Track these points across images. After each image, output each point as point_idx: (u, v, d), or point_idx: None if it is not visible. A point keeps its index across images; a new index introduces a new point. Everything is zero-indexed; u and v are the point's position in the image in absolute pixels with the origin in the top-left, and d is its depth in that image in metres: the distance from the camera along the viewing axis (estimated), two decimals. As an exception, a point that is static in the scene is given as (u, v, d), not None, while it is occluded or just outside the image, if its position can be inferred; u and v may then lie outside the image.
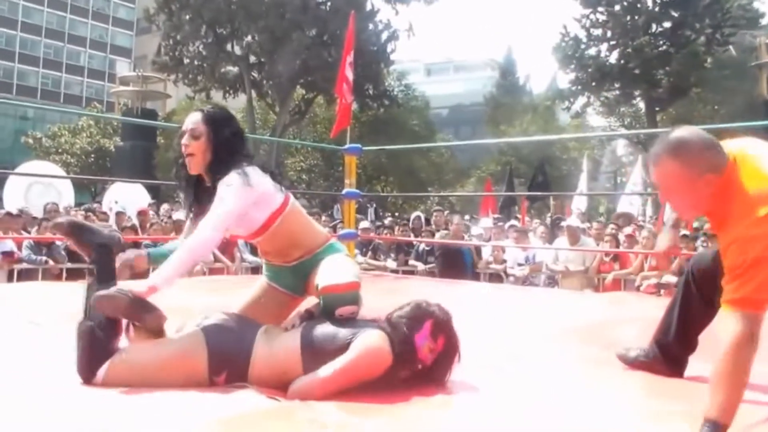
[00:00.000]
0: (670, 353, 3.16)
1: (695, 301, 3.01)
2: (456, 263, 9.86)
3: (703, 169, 2.33)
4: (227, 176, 2.93)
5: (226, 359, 2.69)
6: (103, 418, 2.31)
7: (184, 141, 3.02)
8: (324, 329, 2.72)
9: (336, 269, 2.97)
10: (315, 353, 2.64)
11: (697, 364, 3.09)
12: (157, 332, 2.84)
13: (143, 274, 3.34)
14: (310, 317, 2.94)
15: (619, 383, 3.05)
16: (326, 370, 2.59)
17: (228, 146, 3.03)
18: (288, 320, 3.02)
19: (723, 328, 2.20)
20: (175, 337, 2.80)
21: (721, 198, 2.35)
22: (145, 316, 2.77)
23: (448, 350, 2.81)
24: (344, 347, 2.62)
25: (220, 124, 3.05)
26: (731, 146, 2.45)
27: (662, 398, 2.82)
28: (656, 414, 2.59)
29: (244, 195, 2.93)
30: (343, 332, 2.67)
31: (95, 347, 2.69)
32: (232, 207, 2.91)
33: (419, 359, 2.73)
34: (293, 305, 3.29)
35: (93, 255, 2.95)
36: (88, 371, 2.66)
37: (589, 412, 2.60)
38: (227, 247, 2.94)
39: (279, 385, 2.66)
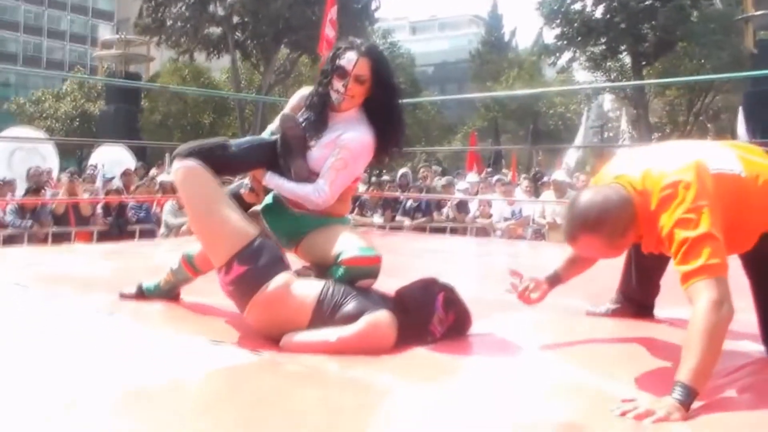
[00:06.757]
0: (635, 299, 3.30)
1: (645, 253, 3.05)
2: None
3: (624, 230, 2.35)
4: (361, 132, 3.03)
5: (251, 267, 2.71)
6: (87, 373, 2.34)
7: (349, 85, 3.01)
8: (342, 294, 2.70)
9: (358, 242, 2.95)
10: (325, 312, 2.66)
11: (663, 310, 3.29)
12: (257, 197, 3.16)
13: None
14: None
15: (595, 331, 3.12)
16: (329, 335, 2.59)
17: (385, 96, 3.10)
18: (300, 270, 3.01)
19: (693, 300, 2.17)
20: (246, 218, 2.90)
21: (644, 225, 2.38)
22: (297, 158, 3.02)
23: (459, 324, 2.85)
24: (353, 318, 2.62)
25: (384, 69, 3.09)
26: (621, 174, 2.47)
27: (632, 341, 2.90)
28: (628, 357, 2.67)
29: (364, 160, 3.12)
30: (357, 304, 2.66)
31: (212, 151, 2.93)
32: (352, 174, 3.11)
33: (430, 331, 2.75)
34: None
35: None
36: (187, 151, 2.89)
37: (567, 360, 2.64)
38: (259, 186, 2.97)
39: (269, 329, 2.70)
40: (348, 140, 3.00)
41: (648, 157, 2.53)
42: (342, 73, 3.00)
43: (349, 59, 3.00)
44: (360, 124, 3.06)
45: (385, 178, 13.13)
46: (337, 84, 3.01)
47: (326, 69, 3.08)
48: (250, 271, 2.70)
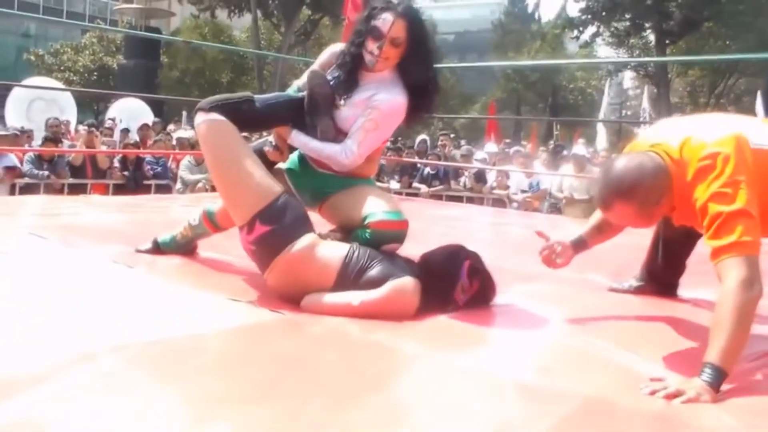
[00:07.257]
0: (660, 277, 3.26)
1: (674, 230, 2.96)
2: None
3: (658, 198, 2.29)
4: (394, 94, 2.96)
5: (275, 227, 2.66)
6: (105, 324, 2.32)
7: (384, 47, 2.90)
8: (367, 258, 2.66)
9: (386, 205, 2.89)
10: (349, 276, 2.62)
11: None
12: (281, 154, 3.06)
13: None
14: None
15: (618, 307, 3.09)
16: (352, 298, 2.56)
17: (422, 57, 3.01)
18: (325, 234, 2.97)
19: (723, 277, 2.11)
20: (267, 173, 2.82)
21: (679, 195, 2.32)
22: (324, 116, 2.96)
23: (483, 294, 2.81)
24: (377, 283, 2.58)
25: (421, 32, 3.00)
26: (658, 142, 2.40)
27: (655, 319, 2.88)
28: (652, 335, 2.66)
29: (395, 122, 3.04)
30: (382, 268, 2.62)
31: (237, 106, 2.87)
32: (382, 136, 3.06)
33: (453, 298, 2.71)
34: None
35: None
36: (210, 105, 2.81)
37: (591, 335, 2.60)
38: (283, 143, 2.91)
39: (291, 290, 2.66)
40: (381, 101, 2.93)
41: (687, 126, 2.45)
42: (377, 34, 2.90)
43: (384, 20, 2.89)
44: (394, 85, 2.97)
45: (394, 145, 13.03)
46: (371, 45, 2.91)
47: (360, 29, 2.98)
48: (274, 231, 2.65)
